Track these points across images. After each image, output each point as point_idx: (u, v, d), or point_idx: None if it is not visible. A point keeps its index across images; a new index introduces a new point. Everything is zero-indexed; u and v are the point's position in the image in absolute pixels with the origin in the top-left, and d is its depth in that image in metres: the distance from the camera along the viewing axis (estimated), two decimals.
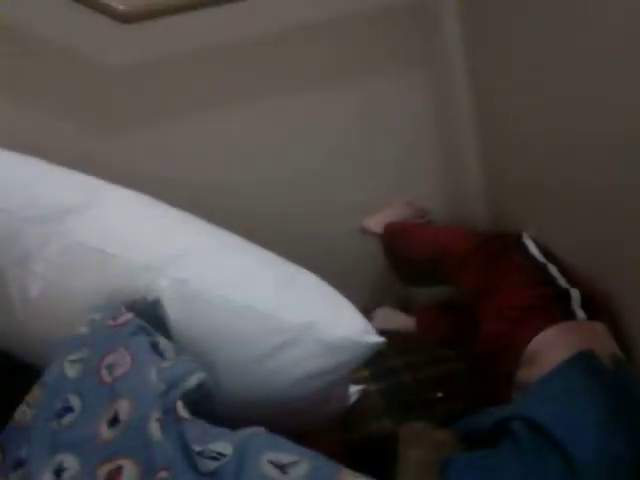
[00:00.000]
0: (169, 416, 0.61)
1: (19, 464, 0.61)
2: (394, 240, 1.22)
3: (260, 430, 0.62)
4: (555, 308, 0.88)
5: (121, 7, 1.01)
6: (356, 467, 0.92)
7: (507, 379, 0.87)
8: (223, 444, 0.58)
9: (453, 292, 1.14)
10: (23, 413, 0.66)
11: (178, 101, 1.15)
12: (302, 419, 0.83)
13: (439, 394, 1.01)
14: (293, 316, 0.77)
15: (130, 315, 0.71)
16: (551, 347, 0.83)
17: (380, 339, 0.79)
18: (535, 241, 1.01)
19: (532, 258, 0.98)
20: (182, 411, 0.61)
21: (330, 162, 1.24)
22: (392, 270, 1.24)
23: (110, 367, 0.66)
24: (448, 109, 1.26)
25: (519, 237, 1.03)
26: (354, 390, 0.93)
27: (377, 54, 1.20)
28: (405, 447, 0.91)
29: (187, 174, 1.16)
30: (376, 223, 1.26)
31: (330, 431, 0.90)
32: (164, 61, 1.11)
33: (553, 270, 0.94)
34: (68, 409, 0.63)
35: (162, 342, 0.70)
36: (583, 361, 0.77)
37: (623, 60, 0.76)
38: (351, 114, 1.22)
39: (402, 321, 1.22)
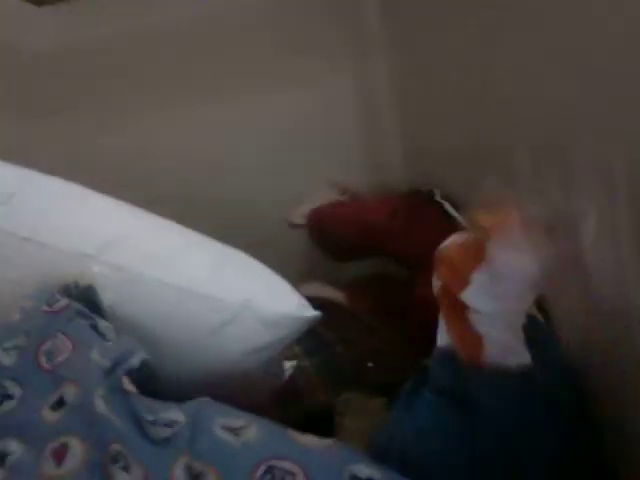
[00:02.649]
0: (115, 392, 0.61)
1: None
2: (317, 227, 1.25)
3: (207, 399, 0.64)
4: None
5: None
6: None
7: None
8: (175, 412, 0.59)
9: (382, 264, 1.17)
10: None
11: (97, 88, 1.13)
12: (240, 396, 0.85)
13: (370, 364, 1.04)
14: (229, 295, 0.79)
15: (66, 301, 0.70)
16: None
17: (316, 312, 0.82)
18: (446, 198, 1.07)
19: (448, 214, 1.03)
20: (129, 385, 0.62)
21: (256, 149, 1.26)
22: (323, 254, 1.26)
23: (49, 353, 0.65)
24: (368, 89, 1.30)
25: (432, 194, 1.08)
26: (288, 366, 0.96)
27: (301, 39, 1.23)
28: (341, 418, 0.95)
29: (110, 162, 1.14)
30: (299, 214, 1.28)
31: (267, 409, 0.92)
32: (81, 46, 1.09)
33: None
34: (6, 396, 0.62)
35: (102, 324, 0.70)
36: None
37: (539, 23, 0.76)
38: (276, 98, 1.24)
39: (331, 294, 1.25)
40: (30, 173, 0.85)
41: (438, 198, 1.08)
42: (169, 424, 0.57)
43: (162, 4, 1.09)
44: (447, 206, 1.05)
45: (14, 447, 0.57)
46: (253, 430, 0.59)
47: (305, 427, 0.95)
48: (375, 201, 1.18)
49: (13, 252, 0.77)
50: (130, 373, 0.64)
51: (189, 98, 1.19)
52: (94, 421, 0.57)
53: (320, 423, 0.97)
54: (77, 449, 0.56)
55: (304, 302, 0.83)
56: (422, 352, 0.97)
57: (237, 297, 0.79)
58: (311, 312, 0.82)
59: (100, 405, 0.58)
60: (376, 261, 1.19)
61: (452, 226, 1.00)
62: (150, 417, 0.58)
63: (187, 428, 0.57)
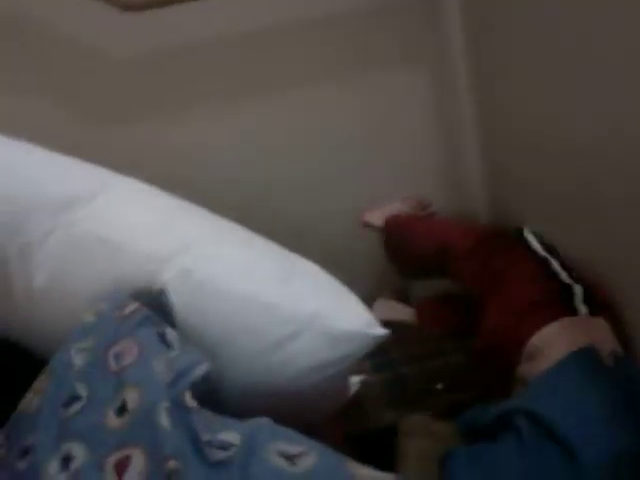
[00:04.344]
0: (177, 405, 0.61)
1: (25, 452, 0.61)
2: (395, 233, 1.22)
3: (266, 420, 0.63)
4: (558, 304, 0.89)
5: None
6: (356, 459, 0.92)
7: (508, 373, 0.88)
8: (231, 433, 0.59)
9: (453, 284, 1.14)
10: (29, 401, 0.65)
11: (180, 94, 1.14)
12: (304, 411, 0.84)
13: (439, 386, 1.01)
14: (297, 308, 0.78)
15: (137, 305, 0.71)
16: (552, 343, 0.84)
17: (383, 331, 0.79)
18: (536, 236, 1.02)
19: (534, 252, 0.99)
20: (190, 401, 0.62)
21: (333, 159, 1.24)
22: (392, 263, 1.24)
23: (117, 356, 0.66)
24: (449, 105, 1.26)
25: (520, 232, 1.04)
26: (355, 381, 0.94)
27: (381, 51, 1.21)
28: (405, 439, 0.92)
29: (187, 169, 1.16)
30: (377, 216, 1.26)
31: (331, 423, 0.90)
32: (166, 52, 1.11)
33: (555, 265, 0.95)
34: (75, 397, 0.63)
35: (169, 332, 0.70)
36: (584, 357, 0.78)
37: (624, 63, 0.77)
38: (354, 111, 1.21)
39: (401, 312, 1.22)
40: (112, 175, 0.87)
41: (526, 235, 1.03)
42: (225, 446, 0.57)
43: (243, 11, 1.08)
44: (534, 245, 1.01)
45: (78, 451, 0.59)
46: (310, 460, 0.57)
47: (367, 444, 0.95)
48: (459, 228, 1.13)
49: (90, 252, 0.79)
50: (193, 386, 0.64)
51: (265, 109, 1.19)
52: (156, 434, 0.57)
53: (383, 441, 0.95)
54: (139, 462, 0.56)
55: (373, 319, 0.80)
56: (490, 377, 0.94)
57: (305, 310, 0.78)
58: (379, 330, 0.80)
59: (163, 418, 0.59)
60: (448, 281, 1.15)
61: (534, 270, 0.95)
62: (207, 436, 0.57)
63: (242, 452, 0.56)
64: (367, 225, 1.27)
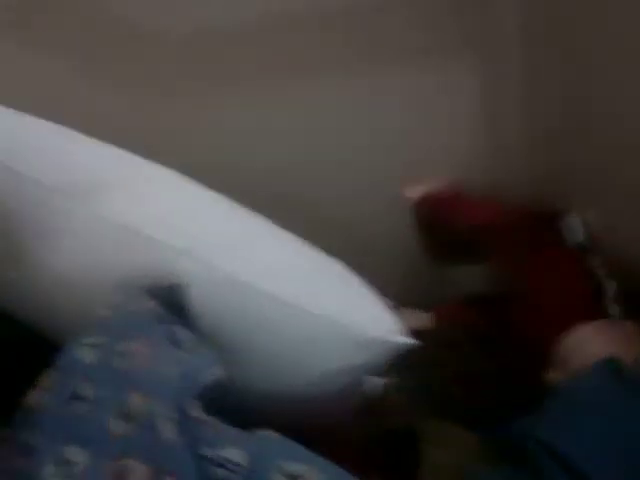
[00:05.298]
0: (182, 415, 0.58)
1: (25, 450, 0.59)
2: (433, 210, 1.17)
3: (276, 436, 0.59)
4: (589, 304, 0.85)
5: None
6: (374, 461, 0.89)
7: (535, 378, 0.85)
8: (238, 451, 0.55)
9: (472, 286, 1.09)
10: (34, 397, 0.64)
11: (221, 76, 1.11)
12: (320, 414, 0.81)
13: (462, 392, 0.97)
14: (321, 309, 0.74)
15: (151, 302, 0.68)
16: (580, 348, 0.81)
17: (409, 340, 0.75)
18: (578, 223, 0.97)
19: (573, 242, 0.94)
20: (195, 410, 0.59)
21: (378, 145, 1.19)
22: (423, 244, 1.19)
23: (126, 356, 0.63)
24: (498, 90, 1.18)
25: (561, 217, 0.99)
26: (376, 382, 0.90)
27: (428, 35, 1.13)
28: (428, 446, 0.89)
29: (236, 155, 1.13)
30: (417, 191, 1.20)
31: (349, 423, 0.87)
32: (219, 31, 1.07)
33: (593, 259, 0.90)
34: (80, 397, 0.61)
35: (181, 332, 0.67)
36: (608, 371, 0.74)
37: None
38: (401, 95, 1.15)
39: (419, 319, 1.17)
40: (137, 159, 0.83)
41: (568, 220, 0.97)
42: (230, 466, 0.53)
43: None
44: (571, 232, 0.96)
45: (78, 456, 0.57)
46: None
47: (386, 447, 0.92)
48: (498, 208, 1.08)
49: (110, 238, 0.76)
50: (200, 393, 0.61)
51: (317, 94, 1.14)
52: (158, 446, 0.55)
53: (402, 444, 0.92)
54: (138, 475, 0.54)
55: (399, 326, 0.76)
56: (516, 383, 0.89)
57: (329, 312, 0.74)
58: (404, 339, 0.75)
59: (166, 429, 0.56)
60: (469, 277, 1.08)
61: (570, 265, 0.89)
62: (209, 452, 0.54)
63: (245, 472, 0.53)
64: (405, 199, 1.21)
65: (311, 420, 0.78)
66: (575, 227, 0.96)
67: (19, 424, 0.64)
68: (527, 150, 1.19)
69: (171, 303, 0.71)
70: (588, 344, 0.80)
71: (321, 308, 0.73)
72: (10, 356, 0.77)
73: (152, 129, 1.11)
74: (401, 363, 0.95)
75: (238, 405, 0.68)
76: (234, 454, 0.55)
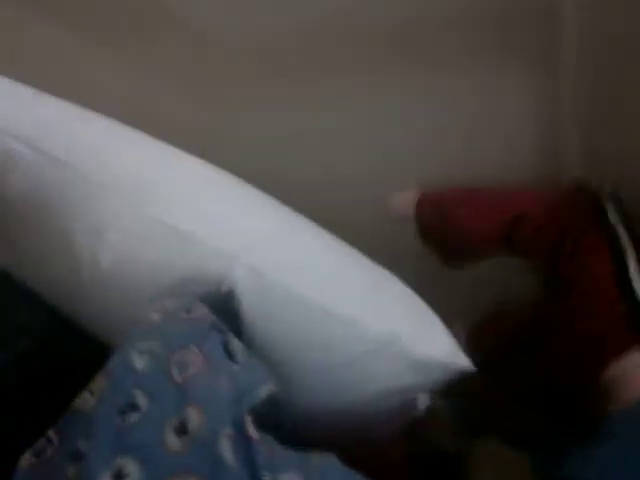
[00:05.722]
0: (239, 433, 0.56)
1: (77, 457, 0.57)
2: (437, 214, 1.01)
3: (332, 462, 0.57)
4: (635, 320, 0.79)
5: None
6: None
7: (584, 403, 0.81)
8: (295, 476, 0.53)
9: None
10: (85, 402, 0.61)
11: (283, 81, 1.09)
12: (368, 433, 0.78)
13: (509, 413, 0.94)
14: (377, 325, 0.71)
15: (205, 310, 0.66)
16: (631, 376, 0.77)
17: (469, 364, 0.72)
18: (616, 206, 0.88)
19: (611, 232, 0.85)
20: (251, 428, 0.56)
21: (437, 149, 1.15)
22: (436, 253, 1.04)
23: (181, 365, 0.61)
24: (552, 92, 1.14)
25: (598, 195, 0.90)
26: (423, 401, 0.87)
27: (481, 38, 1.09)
28: (477, 468, 0.86)
29: (279, 160, 1.11)
30: (406, 201, 1.04)
31: (397, 443, 0.85)
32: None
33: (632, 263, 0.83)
34: (133, 406, 0.59)
35: (233, 343, 0.65)
36: None
37: None
38: (455, 98, 1.12)
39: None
40: (188, 158, 0.80)
41: (606, 202, 0.88)
42: None
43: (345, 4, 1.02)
44: (611, 214, 0.87)
45: (132, 469, 0.55)
46: None
47: (432, 467, 0.89)
48: (530, 194, 0.96)
49: (158, 240, 0.74)
50: (254, 408, 0.59)
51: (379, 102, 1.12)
52: (217, 467, 0.53)
53: (446, 463, 0.89)
54: None
55: (458, 349, 0.73)
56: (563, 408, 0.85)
57: (385, 329, 0.71)
58: (464, 362, 0.72)
59: (225, 449, 0.54)
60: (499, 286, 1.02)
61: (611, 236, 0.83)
62: (268, 476, 0.52)
63: None
64: (394, 212, 1.06)
65: (357, 439, 0.76)
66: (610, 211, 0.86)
67: (66, 427, 0.62)
68: (580, 153, 1.14)
69: (224, 311, 0.68)
70: (632, 375, 0.76)
71: (379, 326, 0.71)
72: (59, 355, 0.76)
73: (215, 133, 1.10)
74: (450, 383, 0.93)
75: (287, 422, 0.66)
76: (295, 477, 0.53)
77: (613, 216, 0.87)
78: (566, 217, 0.89)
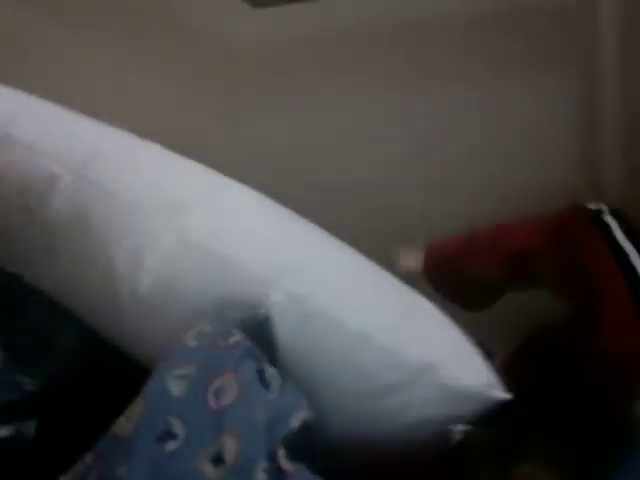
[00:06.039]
0: (272, 464, 0.55)
1: None
2: (445, 267, 1.04)
3: None
4: None
5: None
6: None
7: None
8: None
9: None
10: (122, 427, 0.62)
11: (306, 89, 1.09)
12: (403, 459, 0.77)
13: (544, 439, 0.92)
14: (414, 354, 0.70)
15: (240, 336, 0.66)
16: None
17: (505, 395, 0.70)
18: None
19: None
20: (284, 461, 0.56)
21: (463, 162, 1.15)
22: (455, 301, 1.03)
23: (217, 392, 0.61)
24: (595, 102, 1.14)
25: (599, 214, 0.90)
26: (458, 431, 0.86)
27: (524, 52, 1.11)
28: None
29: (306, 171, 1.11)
30: (415, 259, 1.05)
31: (431, 471, 0.83)
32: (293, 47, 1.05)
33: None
34: (171, 435, 0.59)
35: (268, 370, 0.65)
36: None
37: None
38: (492, 110, 1.13)
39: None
40: (227, 181, 0.81)
41: (606, 218, 0.88)
42: None
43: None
44: (615, 229, 0.87)
45: None
46: None
47: None
48: (523, 223, 0.96)
49: (197, 263, 0.74)
50: (288, 437, 0.58)
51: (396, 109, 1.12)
52: None
53: None
54: None
55: (495, 379, 0.71)
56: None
57: (420, 357, 0.70)
58: (501, 393, 0.71)
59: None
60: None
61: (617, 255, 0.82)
62: None
63: None
64: (407, 269, 1.05)
65: (391, 466, 0.75)
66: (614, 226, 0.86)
67: (104, 452, 0.62)
68: (624, 165, 1.13)
69: (260, 337, 0.68)
70: None
71: (416, 353, 0.70)
72: (97, 378, 0.77)
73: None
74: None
75: (319, 449, 0.66)
76: None
77: (618, 233, 0.86)
78: (567, 241, 0.89)
